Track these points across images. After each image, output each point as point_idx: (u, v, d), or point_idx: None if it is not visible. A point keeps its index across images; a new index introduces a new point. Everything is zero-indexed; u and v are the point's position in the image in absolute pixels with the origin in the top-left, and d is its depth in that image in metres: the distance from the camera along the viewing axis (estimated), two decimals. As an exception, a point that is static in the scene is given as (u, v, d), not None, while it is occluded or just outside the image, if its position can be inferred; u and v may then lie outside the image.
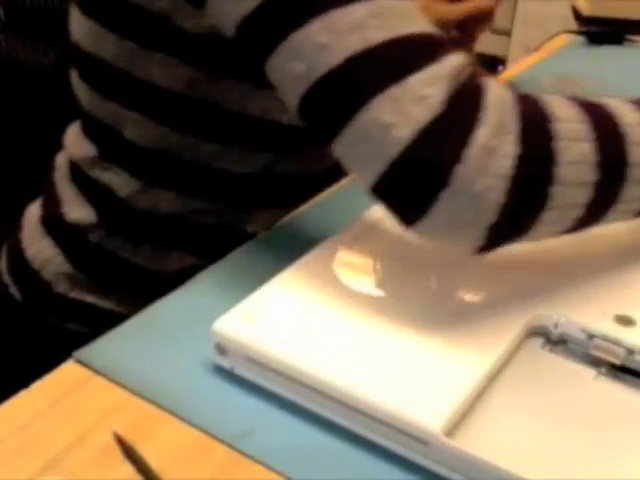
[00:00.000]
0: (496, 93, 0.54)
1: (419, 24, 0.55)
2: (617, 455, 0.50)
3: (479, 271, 0.62)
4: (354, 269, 0.62)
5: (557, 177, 0.53)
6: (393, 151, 0.52)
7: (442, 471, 0.48)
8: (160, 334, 0.59)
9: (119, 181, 0.77)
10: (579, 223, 0.58)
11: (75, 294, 0.80)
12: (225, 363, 0.55)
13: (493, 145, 0.51)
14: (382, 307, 0.58)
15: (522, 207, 0.53)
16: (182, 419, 0.52)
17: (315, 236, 0.65)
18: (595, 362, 0.57)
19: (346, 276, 0.61)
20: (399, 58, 0.53)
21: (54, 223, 0.82)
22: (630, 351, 0.55)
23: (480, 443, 0.49)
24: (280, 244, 0.70)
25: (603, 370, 0.56)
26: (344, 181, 0.81)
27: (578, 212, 0.56)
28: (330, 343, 0.54)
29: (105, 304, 0.79)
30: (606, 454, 0.50)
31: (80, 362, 0.56)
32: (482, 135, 0.51)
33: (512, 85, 0.57)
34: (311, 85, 0.54)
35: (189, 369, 0.56)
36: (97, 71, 0.75)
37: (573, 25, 1.44)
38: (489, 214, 0.52)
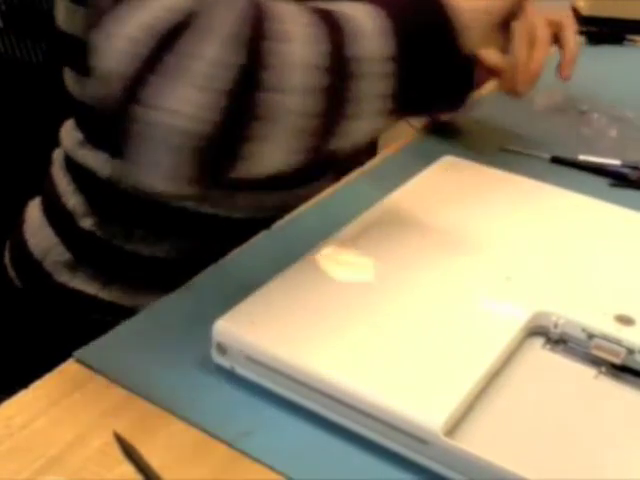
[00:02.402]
0: None
1: None
2: (617, 455, 0.50)
3: (479, 270, 0.62)
4: (353, 269, 0.62)
5: (266, 83, 0.48)
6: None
7: (442, 470, 0.48)
8: (160, 334, 0.59)
9: (100, 162, 0.79)
10: (315, 137, 0.52)
11: (76, 284, 0.80)
12: (225, 363, 0.55)
13: None
14: (381, 307, 0.58)
15: (234, 126, 0.48)
16: (182, 419, 0.52)
17: (315, 236, 0.65)
18: (595, 362, 0.57)
19: (346, 276, 0.61)
20: None
21: (54, 213, 0.83)
22: (630, 351, 0.55)
23: (480, 442, 0.49)
24: (280, 244, 0.70)
25: (603, 370, 0.56)
26: (344, 181, 0.81)
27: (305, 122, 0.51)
28: (330, 343, 0.54)
29: (106, 295, 0.80)
30: (606, 454, 0.50)
31: (80, 362, 0.56)
32: None
33: None
34: None
35: (189, 369, 0.56)
36: (77, 51, 0.75)
37: (573, 25, 1.44)
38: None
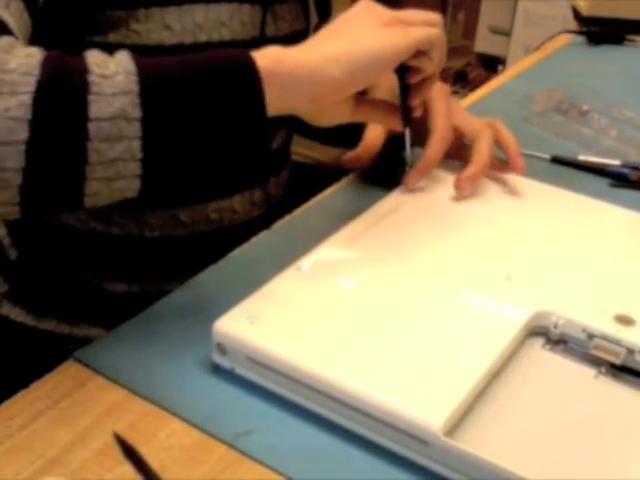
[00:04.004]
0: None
1: None
2: (617, 455, 0.50)
3: (479, 271, 0.62)
4: (354, 269, 0.62)
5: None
6: None
7: (442, 470, 0.48)
8: (160, 334, 0.59)
9: None
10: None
11: (15, 315, 0.78)
12: (225, 363, 0.55)
13: None
14: (381, 307, 0.58)
15: None
16: (182, 419, 0.52)
17: (315, 236, 0.65)
18: (595, 362, 0.57)
19: (345, 276, 0.61)
20: None
21: None
22: (630, 351, 0.55)
23: (480, 443, 0.49)
24: (280, 244, 0.70)
25: (603, 370, 0.56)
26: (344, 181, 0.81)
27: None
28: (330, 343, 0.54)
29: (45, 326, 0.77)
30: (606, 454, 0.50)
31: (80, 362, 0.56)
32: None
33: None
34: None
35: (189, 369, 0.56)
36: None
37: (573, 25, 1.44)
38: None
